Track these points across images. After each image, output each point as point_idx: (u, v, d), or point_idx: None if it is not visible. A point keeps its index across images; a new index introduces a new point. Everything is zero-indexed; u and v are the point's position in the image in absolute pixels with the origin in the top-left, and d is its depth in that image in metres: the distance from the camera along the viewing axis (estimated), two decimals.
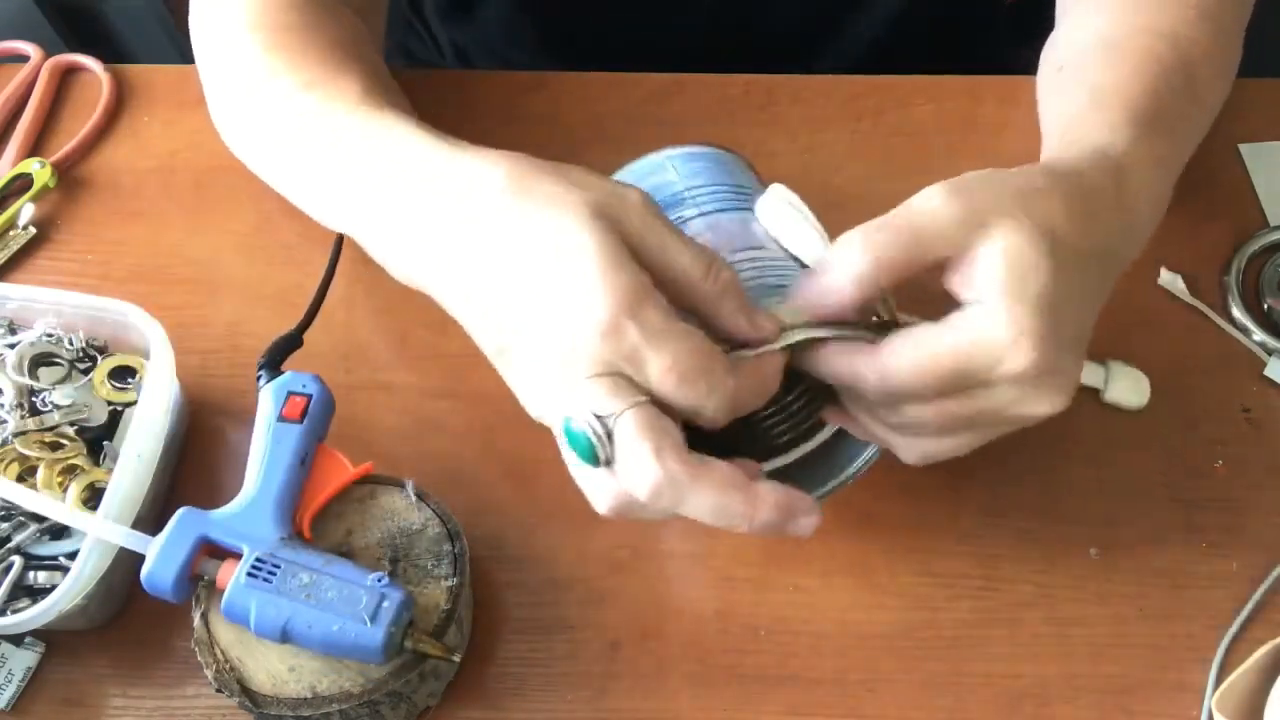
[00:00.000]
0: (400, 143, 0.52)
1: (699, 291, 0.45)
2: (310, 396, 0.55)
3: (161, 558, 0.50)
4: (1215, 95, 0.61)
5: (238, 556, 0.50)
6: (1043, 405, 0.46)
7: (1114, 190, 0.50)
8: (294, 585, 0.49)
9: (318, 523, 0.54)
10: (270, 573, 0.50)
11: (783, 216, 0.52)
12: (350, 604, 0.49)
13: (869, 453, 0.54)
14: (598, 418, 0.42)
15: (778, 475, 0.55)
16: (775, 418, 0.57)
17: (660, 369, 0.42)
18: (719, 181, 0.55)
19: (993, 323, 0.45)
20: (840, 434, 0.55)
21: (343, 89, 0.56)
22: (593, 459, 0.43)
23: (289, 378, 0.56)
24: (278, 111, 0.58)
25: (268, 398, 0.55)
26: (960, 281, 0.46)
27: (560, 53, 0.84)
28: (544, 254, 0.44)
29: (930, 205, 0.46)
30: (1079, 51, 0.62)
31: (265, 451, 0.53)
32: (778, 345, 0.46)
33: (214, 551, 0.51)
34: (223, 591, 0.49)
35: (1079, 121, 0.55)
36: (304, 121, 0.56)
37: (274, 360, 0.57)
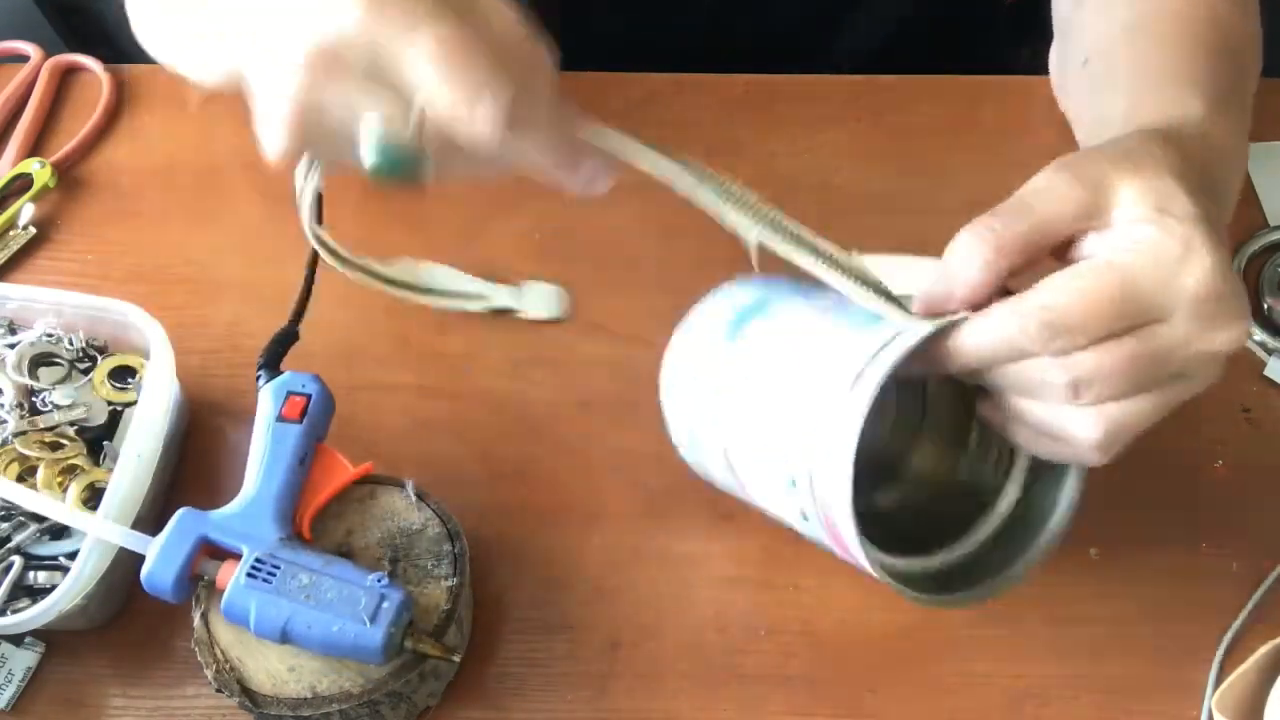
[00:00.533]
0: None
1: (515, 54, 0.39)
2: (309, 396, 0.55)
3: (161, 558, 0.50)
4: (1254, 79, 0.59)
5: (237, 557, 0.50)
6: (1222, 335, 0.42)
7: (1202, 147, 0.48)
8: (293, 586, 0.49)
9: (317, 523, 0.54)
10: (270, 573, 0.50)
11: (879, 266, 0.49)
12: (350, 604, 0.49)
13: (1068, 497, 0.51)
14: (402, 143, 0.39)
15: (982, 552, 0.53)
16: (965, 470, 0.55)
17: (429, 49, 0.37)
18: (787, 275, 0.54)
19: (1155, 239, 0.41)
20: (1027, 495, 0.53)
21: None
22: (416, 176, 0.40)
23: (288, 378, 0.56)
24: None
25: (267, 398, 0.55)
26: (1100, 238, 0.43)
27: (560, 51, 0.84)
28: None
29: (1047, 181, 0.43)
30: (1105, 42, 0.60)
31: (265, 451, 0.53)
32: (929, 329, 0.43)
33: (214, 552, 0.51)
34: (223, 592, 0.50)
35: (1142, 107, 0.52)
36: None
37: (273, 358, 0.57)
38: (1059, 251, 0.44)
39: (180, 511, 0.51)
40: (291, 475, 0.53)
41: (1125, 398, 0.43)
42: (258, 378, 0.56)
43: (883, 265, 0.47)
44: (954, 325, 0.43)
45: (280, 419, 0.54)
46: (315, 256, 0.61)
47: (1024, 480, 0.53)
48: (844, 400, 0.44)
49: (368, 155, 0.39)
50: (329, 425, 0.56)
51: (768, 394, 0.48)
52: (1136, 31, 0.58)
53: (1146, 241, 0.41)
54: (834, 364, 0.45)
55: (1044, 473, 0.52)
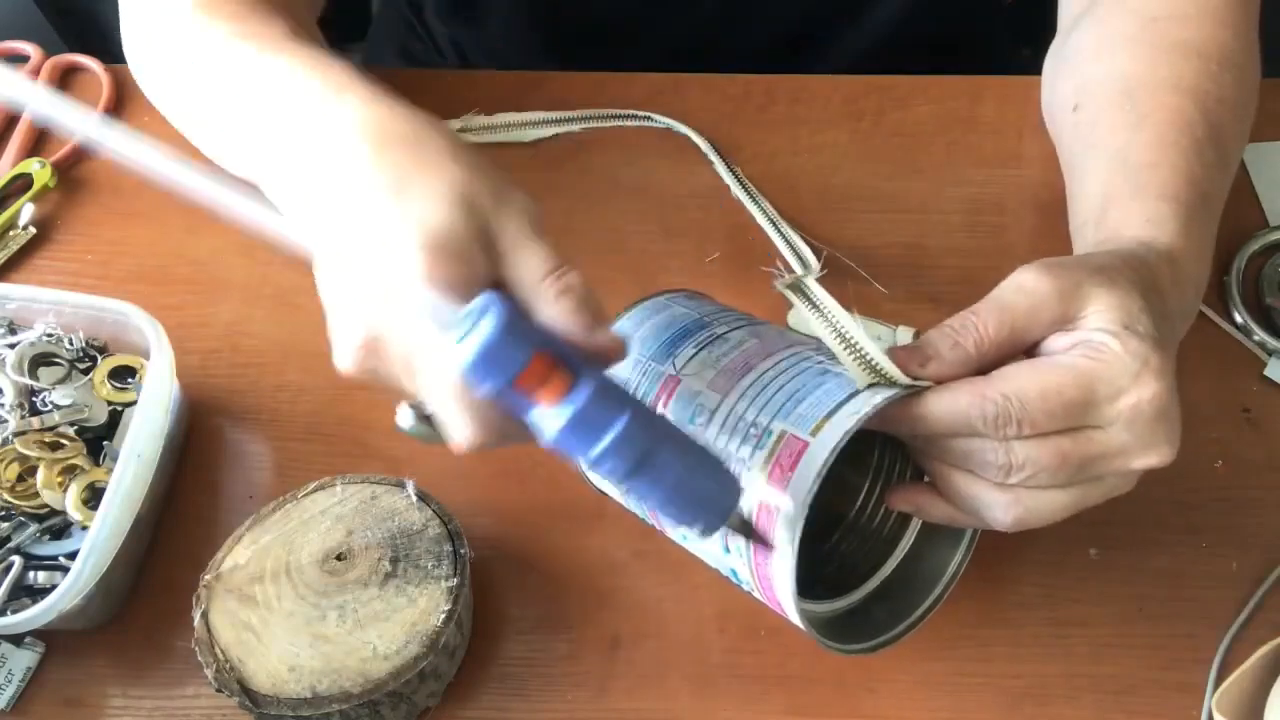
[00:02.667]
0: (312, 76, 0.49)
1: (539, 294, 0.42)
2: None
3: (506, 326, 0.38)
4: (1240, 153, 0.61)
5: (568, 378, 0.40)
6: (1152, 455, 0.46)
7: (1169, 272, 0.51)
8: (657, 417, 0.42)
9: (318, 524, 0.54)
10: (634, 395, 0.43)
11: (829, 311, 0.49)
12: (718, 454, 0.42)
13: (960, 554, 0.53)
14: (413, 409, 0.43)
15: (891, 582, 0.54)
16: (869, 508, 0.56)
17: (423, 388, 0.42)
18: (724, 306, 0.55)
19: (1115, 352, 0.44)
20: (922, 544, 0.54)
21: (268, 26, 0.53)
22: (435, 439, 0.43)
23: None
24: (201, 56, 0.55)
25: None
26: (1065, 339, 0.46)
27: (561, 51, 0.85)
28: (382, 229, 0.42)
29: (1029, 286, 0.46)
30: (1096, 94, 0.61)
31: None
32: (901, 390, 0.44)
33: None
34: (540, 410, 0.40)
35: (1117, 205, 0.55)
36: (226, 62, 0.54)
37: None
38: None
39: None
40: None
41: (1045, 489, 0.46)
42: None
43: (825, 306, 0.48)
44: (919, 391, 0.45)
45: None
46: None
47: (917, 534, 0.54)
48: (809, 443, 0.44)
49: (400, 423, 0.45)
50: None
51: (708, 424, 0.48)
52: (1128, 101, 0.59)
53: (1108, 353, 0.44)
54: (796, 405, 0.46)
55: (938, 529, 0.53)
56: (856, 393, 0.45)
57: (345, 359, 0.44)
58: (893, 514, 0.55)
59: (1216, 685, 0.55)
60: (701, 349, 0.49)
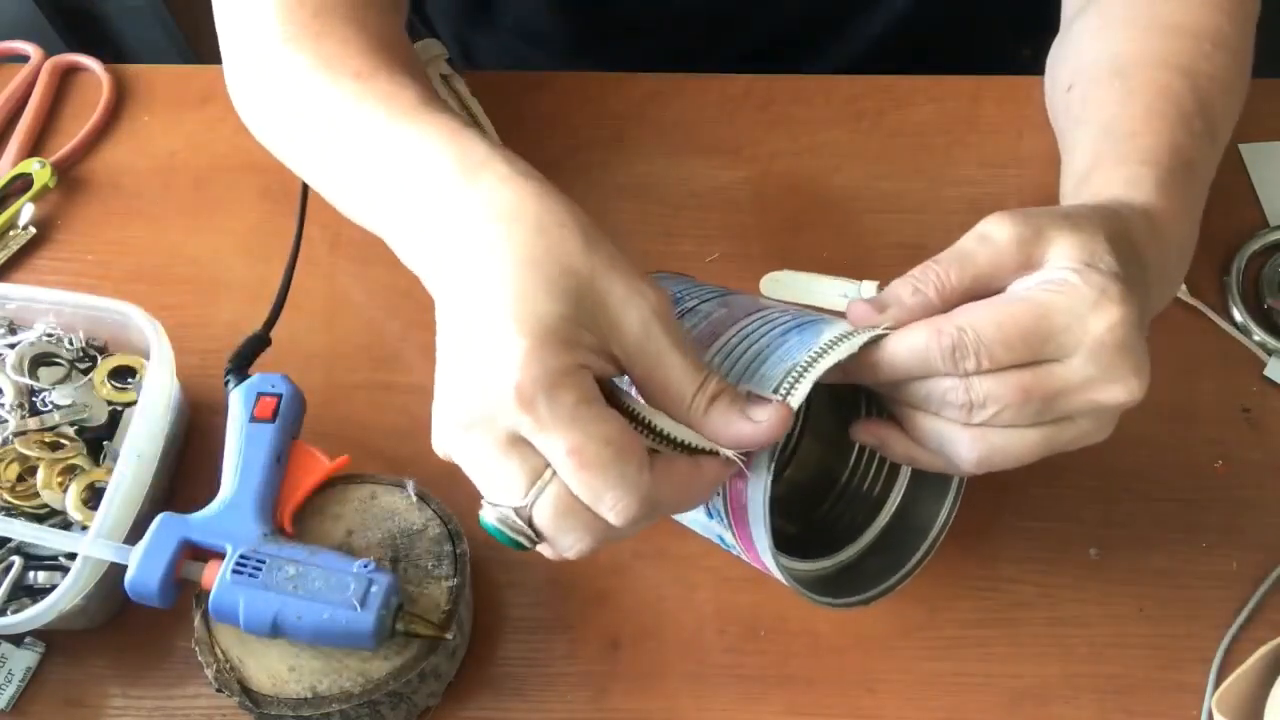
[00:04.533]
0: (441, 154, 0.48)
1: (690, 413, 0.43)
2: (280, 396, 0.55)
3: (144, 565, 0.50)
4: (1229, 130, 0.61)
5: (221, 557, 0.51)
6: (1118, 388, 0.44)
7: (1144, 225, 0.50)
8: (280, 578, 0.50)
9: (317, 524, 0.54)
10: (255, 568, 0.50)
11: (798, 280, 0.50)
12: (339, 591, 0.49)
13: (947, 507, 0.53)
14: (514, 510, 0.41)
15: (863, 558, 0.54)
16: (861, 468, 0.56)
17: (562, 451, 0.40)
18: (703, 283, 0.55)
19: (1073, 284, 0.44)
20: (910, 501, 0.55)
21: (398, 89, 0.52)
22: (519, 546, 0.42)
23: (257, 380, 0.56)
24: (325, 114, 0.54)
25: (237, 400, 0.55)
26: (1026, 279, 0.45)
27: (569, 51, 0.85)
28: (492, 313, 0.41)
29: (991, 234, 0.46)
30: (1090, 73, 0.61)
31: (240, 452, 0.54)
32: (862, 339, 0.44)
33: (197, 554, 0.51)
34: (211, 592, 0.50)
35: (1100, 170, 0.54)
36: (354, 125, 0.52)
37: (241, 363, 0.58)
38: None
39: (160, 516, 0.52)
40: (268, 473, 0.53)
41: (1011, 427, 0.45)
42: (225, 382, 0.57)
43: (797, 280, 0.48)
44: (878, 339, 0.45)
45: (253, 420, 0.54)
46: (292, 266, 0.61)
47: (904, 492, 0.55)
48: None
49: (482, 520, 0.43)
50: (302, 422, 0.56)
51: None
52: (1118, 75, 0.59)
53: (1065, 285, 0.44)
54: (760, 366, 0.46)
55: (925, 486, 0.54)
56: (817, 347, 0.45)
57: (438, 441, 0.43)
58: (883, 472, 0.55)
59: (1216, 685, 0.55)
60: None
